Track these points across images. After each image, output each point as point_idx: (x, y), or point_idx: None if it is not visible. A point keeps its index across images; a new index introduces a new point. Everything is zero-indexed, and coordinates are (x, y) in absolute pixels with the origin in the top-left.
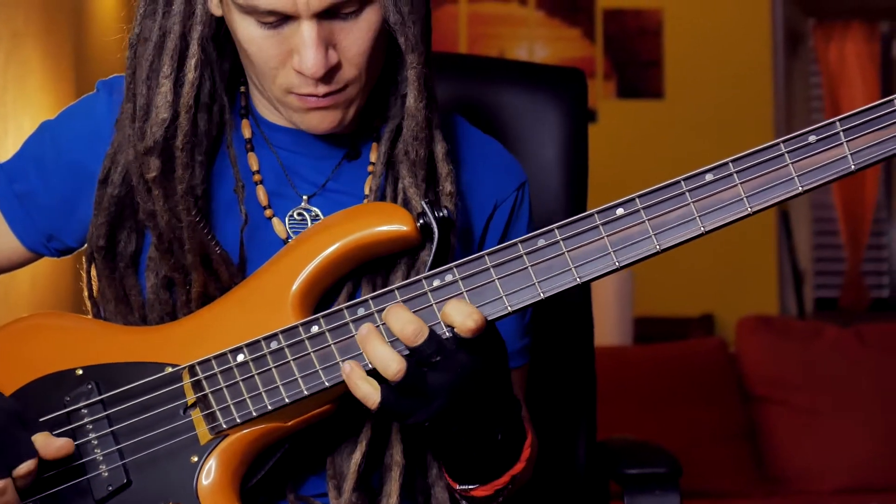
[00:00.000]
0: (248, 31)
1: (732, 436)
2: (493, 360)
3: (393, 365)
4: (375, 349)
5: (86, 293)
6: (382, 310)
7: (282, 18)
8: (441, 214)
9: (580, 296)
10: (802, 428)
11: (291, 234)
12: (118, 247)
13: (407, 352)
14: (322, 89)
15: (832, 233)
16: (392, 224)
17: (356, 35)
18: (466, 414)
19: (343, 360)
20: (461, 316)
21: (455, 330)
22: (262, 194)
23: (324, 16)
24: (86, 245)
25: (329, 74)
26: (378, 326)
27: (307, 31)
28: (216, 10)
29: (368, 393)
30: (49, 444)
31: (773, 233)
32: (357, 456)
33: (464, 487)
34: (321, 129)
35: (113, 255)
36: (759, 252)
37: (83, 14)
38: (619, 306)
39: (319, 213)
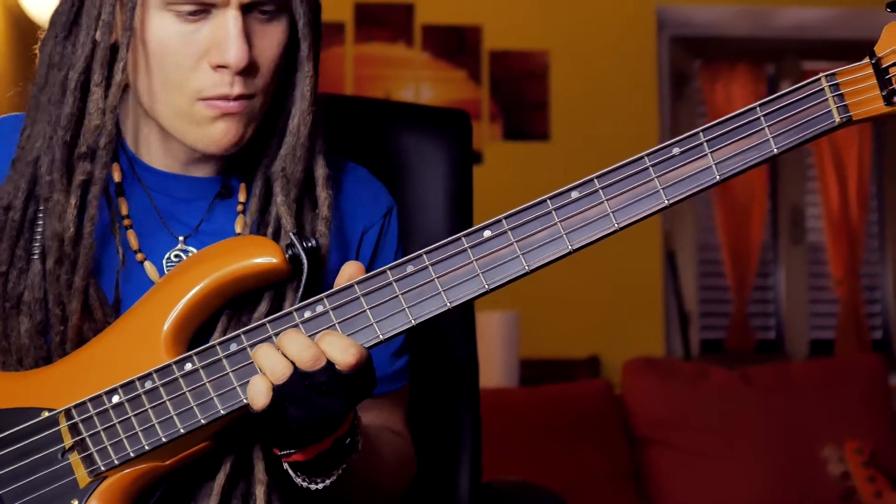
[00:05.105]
0: (164, 29)
1: (618, 477)
2: (358, 399)
3: (279, 368)
4: (267, 354)
5: None
6: (255, 344)
7: (203, 10)
8: (309, 245)
9: (465, 336)
10: (688, 469)
11: None
12: (8, 286)
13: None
14: (237, 89)
15: (718, 275)
16: (261, 257)
17: (270, 38)
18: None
19: (217, 395)
20: (339, 351)
21: (336, 366)
22: (132, 238)
23: (246, 10)
24: None
25: (247, 71)
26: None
27: (232, 21)
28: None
29: (260, 391)
30: None
31: (659, 274)
32: (221, 477)
33: (284, 453)
34: (223, 144)
35: (4, 291)
36: (645, 294)
37: None
38: (504, 348)
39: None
